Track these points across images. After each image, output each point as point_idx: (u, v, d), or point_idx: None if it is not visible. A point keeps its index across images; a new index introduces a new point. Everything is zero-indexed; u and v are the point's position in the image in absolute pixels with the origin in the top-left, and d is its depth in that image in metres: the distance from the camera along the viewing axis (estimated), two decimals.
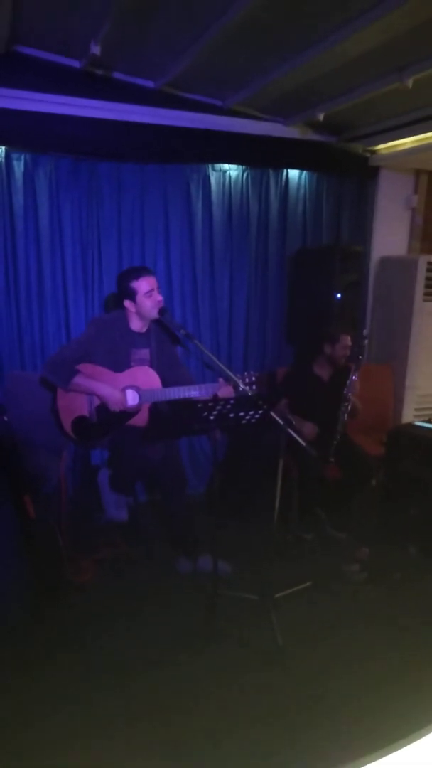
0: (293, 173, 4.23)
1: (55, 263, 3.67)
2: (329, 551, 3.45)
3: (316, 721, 2.14)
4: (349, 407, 3.35)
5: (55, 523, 2.91)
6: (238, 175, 4.08)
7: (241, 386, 2.78)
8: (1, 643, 2.50)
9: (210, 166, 3.98)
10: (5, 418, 3.07)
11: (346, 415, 3.35)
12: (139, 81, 3.55)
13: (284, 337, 4.45)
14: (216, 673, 2.41)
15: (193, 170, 3.93)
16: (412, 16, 2.43)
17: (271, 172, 4.16)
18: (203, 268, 4.08)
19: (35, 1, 2.64)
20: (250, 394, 2.75)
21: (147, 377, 3.00)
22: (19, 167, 3.47)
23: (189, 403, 2.72)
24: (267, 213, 4.19)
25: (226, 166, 4.02)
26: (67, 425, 3.00)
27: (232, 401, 2.49)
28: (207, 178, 3.98)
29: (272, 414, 2.57)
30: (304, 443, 2.56)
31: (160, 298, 3.00)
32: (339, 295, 4.00)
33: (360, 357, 3.39)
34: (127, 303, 3.02)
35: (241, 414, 2.53)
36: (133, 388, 2.98)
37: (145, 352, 3.10)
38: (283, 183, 4.21)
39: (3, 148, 3.42)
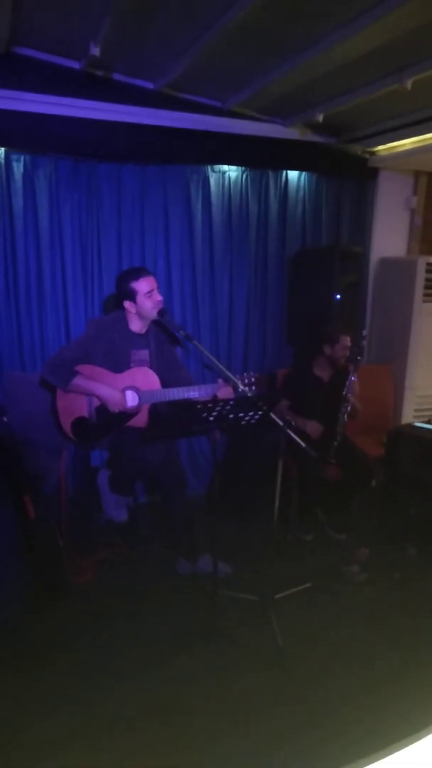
0: (293, 174, 4.24)
1: (54, 264, 3.67)
2: (329, 552, 3.45)
3: (316, 722, 2.14)
4: (349, 408, 3.36)
5: (54, 523, 2.91)
6: (237, 176, 4.08)
7: (241, 387, 2.78)
8: (1, 643, 2.50)
9: (209, 167, 3.98)
10: (5, 419, 3.07)
11: (346, 416, 3.35)
12: (139, 82, 3.56)
13: (284, 338, 4.45)
14: (216, 674, 2.41)
15: (192, 171, 3.93)
16: (411, 17, 2.44)
17: (270, 173, 4.17)
18: (203, 269, 4.08)
19: (35, 2, 2.64)
20: (249, 395, 2.76)
21: (146, 378, 3.00)
22: (18, 168, 3.48)
23: (189, 404, 2.72)
24: (266, 214, 4.20)
25: (225, 167, 4.03)
26: (67, 426, 3.00)
27: (231, 402, 2.49)
28: (206, 180, 3.99)
29: (272, 415, 2.58)
30: (303, 444, 2.56)
31: (160, 298, 3.01)
32: (338, 296, 4.00)
33: (359, 358, 3.39)
34: (127, 304, 3.02)
35: (241, 415, 2.53)
36: (133, 389, 2.98)
37: (144, 353, 3.10)
38: (283, 184, 4.22)
39: (3, 149, 3.42)
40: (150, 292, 2.97)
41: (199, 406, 2.44)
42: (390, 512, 3.66)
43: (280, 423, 2.58)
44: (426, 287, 4.32)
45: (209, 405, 2.44)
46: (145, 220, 3.85)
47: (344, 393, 3.33)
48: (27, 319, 3.66)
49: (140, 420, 3.00)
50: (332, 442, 3.31)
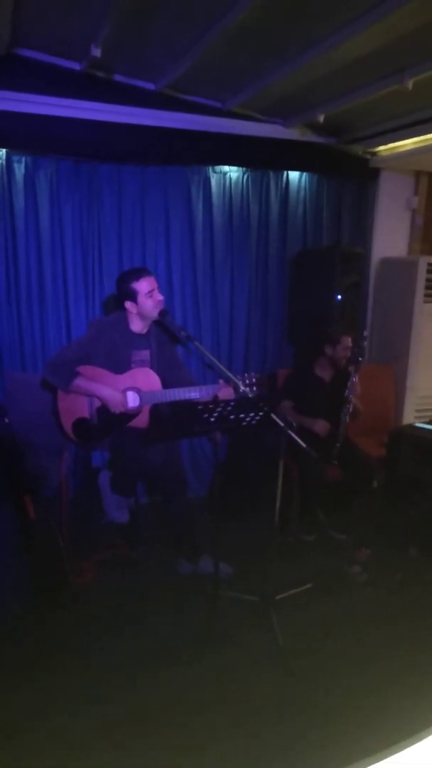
0: (293, 175, 4.24)
1: (55, 265, 3.67)
2: (330, 553, 3.45)
3: (317, 722, 2.14)
4: (350, 409, 3.35)
5: (55, 524, 2.91)
6: (238, 177, 4.08)
7: (242, 388, 2.78)
8: (1, 644, 2.50)
9: (210, 168, 3.99)
10: (6, 420, 3.08)
11: (347, 417, 3.35)
12: (140, 83, 3.56)
13: (285, 339, 4.45)
14: (217, 674, 2.41)
15: (193, 172, 3.94)
16: (412, 18, 2.44)
17: (271, 173, 4.17)
18: (204, 270, 4.08)
19: (35, 3, 2.65)
20: (250, 395, 2.75)
21: (147, 379, 3.00)
22: (19, 169, 3.48)
23: (189, 404, 2.72)
24: (267, 214, 4.20)
25: (226, 167, 4.03)
26: (68, 427, 3.01)
27: (232, 403, 2.49)
28: (207, 180, 3.99)
29: (273, 416, 2.57)
30: (304, 445, 2.56)
31: (161, 297, 3.01)
32: (339, 297, 4.00)
33: (360, 358, 3.39)
34: (128, 304, 3.02)
35: (242, 415, 2.53)
36: (134, 389, 2.98)
37: (145, 354, 3.10)
38: (284, 185, 4.22)
39: (4, 150, 3.43)
40: (151, 292, 2.97)
41: (200, 407, 2.44)
42: (391, 513, 3.66)
43: (281, 424, 2.58)
44: (427, 288, 4.31)
45: (210, 406, 2.44)
46: (146, 221, 3.85)
47: (346, 394, 3.34)
48: (28, 319, 3.66)
49: (141, 421, 3.00)
50: (335, 442, 3.31)
